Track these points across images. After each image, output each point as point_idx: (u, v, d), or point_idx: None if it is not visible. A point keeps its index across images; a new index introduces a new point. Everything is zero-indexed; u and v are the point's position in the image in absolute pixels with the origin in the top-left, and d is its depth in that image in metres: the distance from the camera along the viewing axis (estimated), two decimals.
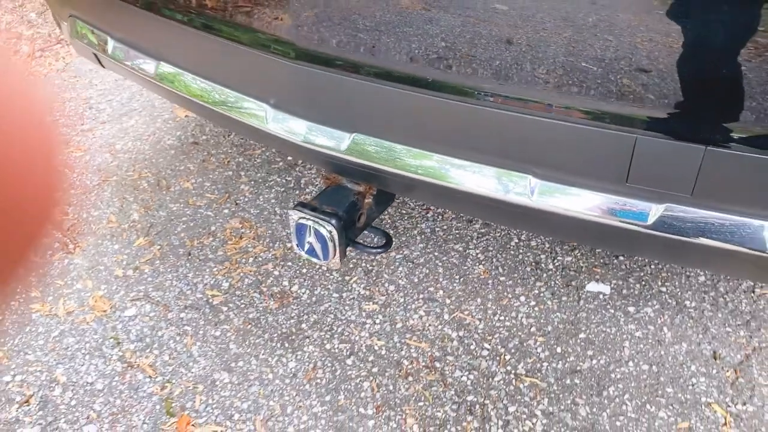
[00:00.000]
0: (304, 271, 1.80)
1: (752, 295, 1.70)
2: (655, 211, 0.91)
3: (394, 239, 1.89)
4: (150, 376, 1.54)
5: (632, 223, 0.94)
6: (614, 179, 0.92)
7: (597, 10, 0.80)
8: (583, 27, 0.81)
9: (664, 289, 1.72)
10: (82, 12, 1.43)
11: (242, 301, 1.73)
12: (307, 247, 1.27)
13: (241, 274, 1.81)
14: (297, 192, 2.09)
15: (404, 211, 1.99)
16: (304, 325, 1.66)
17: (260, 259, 1.85)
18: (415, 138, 1.04)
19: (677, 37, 0.78)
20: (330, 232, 1.24)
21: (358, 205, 1.29)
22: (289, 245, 1.89)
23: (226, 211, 2.03)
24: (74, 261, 1.87)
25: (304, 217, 1.25)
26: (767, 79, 0.76)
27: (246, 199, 2.07)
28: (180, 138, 2.37)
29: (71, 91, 2.71)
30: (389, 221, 1.95)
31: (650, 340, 1.60)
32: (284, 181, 2.15)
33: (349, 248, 1.30)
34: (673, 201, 0.90)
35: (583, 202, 0.95)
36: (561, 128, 0.89)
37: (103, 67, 1.59)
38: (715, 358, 1.56)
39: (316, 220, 1.24)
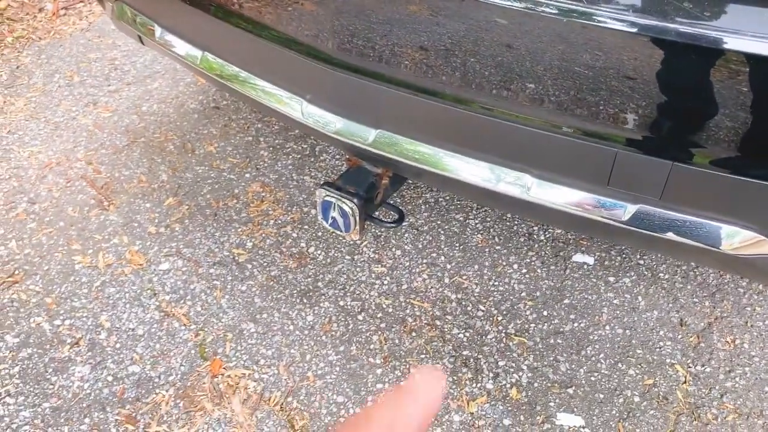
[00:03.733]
0: (320, 234, 2.00)
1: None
2: (630, 209, 1.10)
3: (400, 207, 2.08)
4: (185, 325, 1.75)
5: (611, 218, 1.13)
6: (597, 182, 1.10)
7: (593, 55, 0.97)
8: (580, 69, 0.98)
9: (642, 262, 1.93)
10: None
11: (265, 259, 1.93)
12: (331, 221, 1.46)
13: (263, 235, 2.00)
14: (312, 159, 2.27)
15: (410, 182, 2.17)
16: (320, 284, 1.86)
17: (280, 221, 2.04)
18: (431, 137, 1.21)
19: (654, 73, 0.95)
20: (352, 208, 1.43)
21: (376, 185, 1.47)
22: (305, 209, 2.08)
23: (247, 175, 2.21)
24: (110, 217, 2.05)
25: (329, 195, 1.44)
26: (722, 113, 0.94)
27: (265, 164, 2.25)
28: (202, 102, 2.53)
29: (96, 52, 2.84)
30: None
31: (626, 307, 1.81)
32: (300, 148, 2.32)
33: (367, 222, 1.49)
34: (644, 203, 1.09)
35: (571, 199, 1.14)
36: (556, 139, 1.08)
37: (143, 44, 1.74)
38: (682, 325, 1.77)
39: (340, 197, 1.43)
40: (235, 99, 2.51)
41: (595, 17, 0.95)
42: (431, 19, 1.08)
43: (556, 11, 0.98)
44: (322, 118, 1.29)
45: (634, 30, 0.94)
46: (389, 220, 1.62)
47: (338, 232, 1.48)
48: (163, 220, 2.04)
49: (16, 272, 1.88)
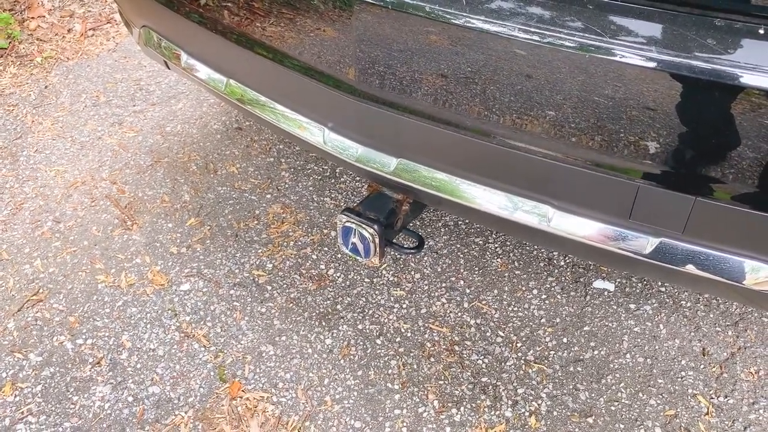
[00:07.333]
0: (339, 256, 2.01)
1: None
2: (652, 243, 1.10)
3: (420, 231, 2.08)
4: (204, 346, 1.77)
5: (632, 251, 1.12)
6: (619, 215, 1.10)
7: (615, 91, 0.97)
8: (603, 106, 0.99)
9: (663, 289, 1.91)
10: (157, 26, 1.61)
11: (284, 281, 1.94)
12: (351, 246, 1.47)
13: (283, 256, 2.01)
14: (332, 181, 2.28)
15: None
16: (339, 306, 1.87)
17: (300, 243, 2.06)
18: (453, 167, 1.22)
19: (675, 110, 0.95)
20: (372, 235, 1.43)
21: (396, 212, 1.48)
22: (325, 231, 2.09)
23: (268, 196, 2.23)
24: (133, 237, 2.08)
25: (349, 221, 1.45)
26: (744, 149, 0.94)
27: (286, 186, 2.27)
28: (225, 123, 2.56)
29: (122, 72, 2.89)
30: None
31: (647, 336, 1.79)
32: (321, 169, 2.34)
33: (387, 248, 1.50)
34: (666, 236, 1.08)
35: (592, 231, 1.14)
36: (578, 172, 1.08)
37: (168, 69, 1.77)
38: (704, 355, 1.75)
39: (360, 224, 1.44)
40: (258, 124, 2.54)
41: (615, 52, 0.96)
42: (451, 49, 1.09)
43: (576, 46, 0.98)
44: (344, 146, 1.30)
45: (656, 66, 0.94)
46: (409, 246, 1.63)
47: (358, 258, 1.48)
48: (185, 241, 2.07)
49: (41, 291, 1.91)
